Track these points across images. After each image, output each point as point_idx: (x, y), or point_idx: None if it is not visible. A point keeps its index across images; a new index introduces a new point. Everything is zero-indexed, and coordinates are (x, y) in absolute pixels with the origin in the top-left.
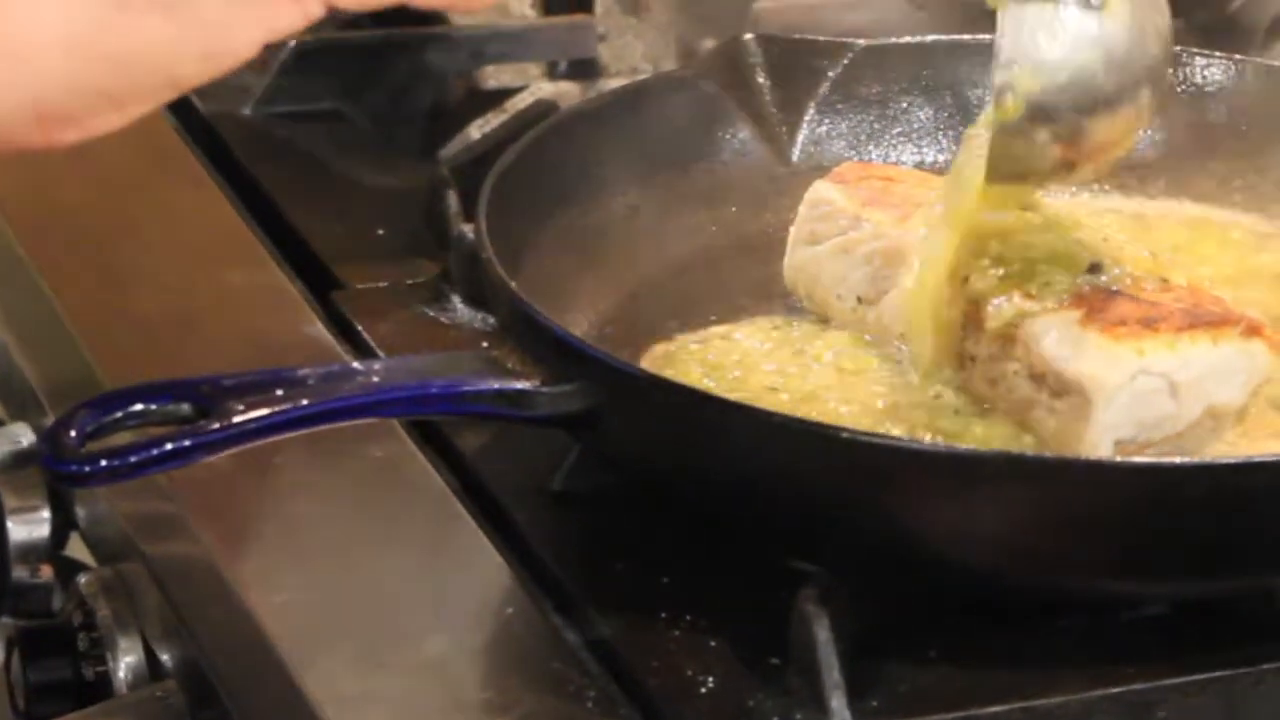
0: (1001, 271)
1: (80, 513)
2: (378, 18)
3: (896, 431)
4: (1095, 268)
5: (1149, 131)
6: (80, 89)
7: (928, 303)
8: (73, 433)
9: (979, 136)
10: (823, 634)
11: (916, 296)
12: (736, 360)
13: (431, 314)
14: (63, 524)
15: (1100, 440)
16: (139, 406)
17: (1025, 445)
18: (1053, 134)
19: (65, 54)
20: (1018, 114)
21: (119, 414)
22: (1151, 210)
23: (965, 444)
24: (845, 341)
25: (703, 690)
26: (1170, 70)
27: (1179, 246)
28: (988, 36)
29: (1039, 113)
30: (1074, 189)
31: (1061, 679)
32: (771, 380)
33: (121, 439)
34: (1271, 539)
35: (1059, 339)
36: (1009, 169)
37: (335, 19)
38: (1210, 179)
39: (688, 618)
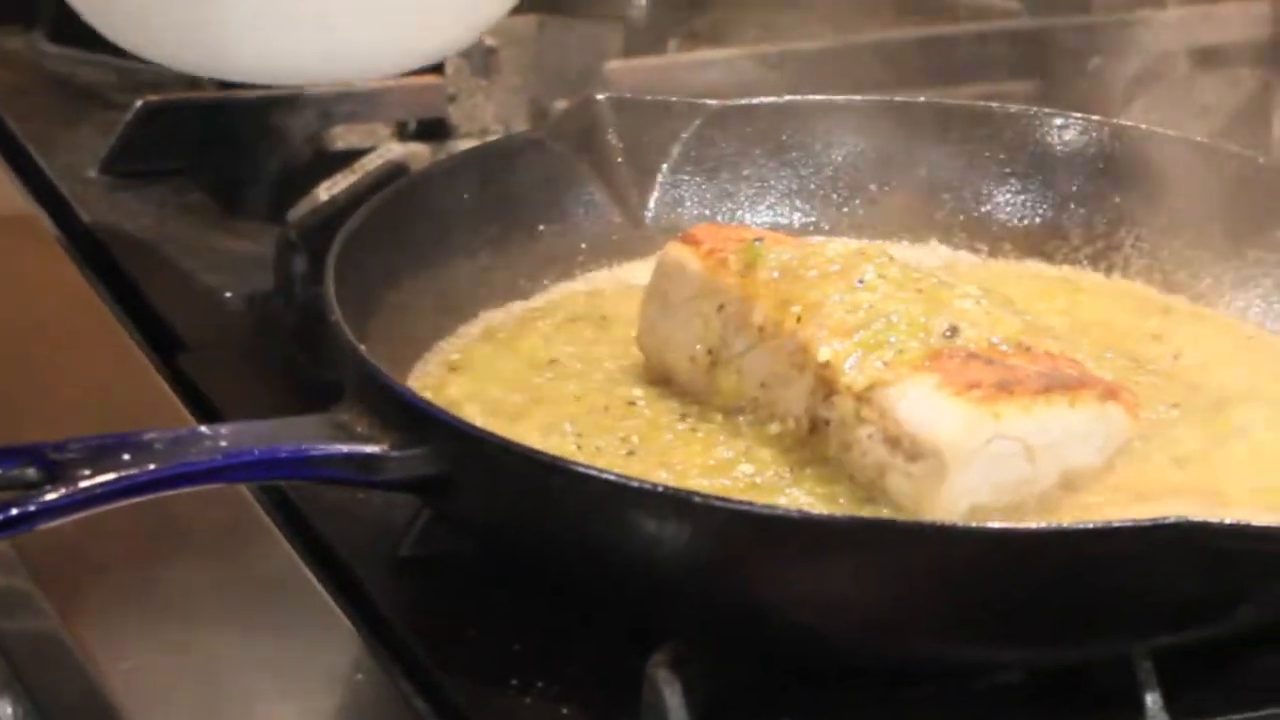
0: (858, 336)
1: None
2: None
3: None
4: (952, 331)
5: (1009, 195)
6: None
7: None
8: None
9: None
10: (674, 700)
11: None
12: (594, 424)
13: (279, 377)
14: None
15: (955, 504)
16: None
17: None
18: None
19: None
20: None
21: None
22: (1000, 270)
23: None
24: (694, 405)
25: None
26: None
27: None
28: (841, 97)
29: None
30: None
31: None
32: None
33: None
34: (1127, 605)
35: (914, 403)
36: None
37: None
38: (1063, 239)
39: (539, 684)
